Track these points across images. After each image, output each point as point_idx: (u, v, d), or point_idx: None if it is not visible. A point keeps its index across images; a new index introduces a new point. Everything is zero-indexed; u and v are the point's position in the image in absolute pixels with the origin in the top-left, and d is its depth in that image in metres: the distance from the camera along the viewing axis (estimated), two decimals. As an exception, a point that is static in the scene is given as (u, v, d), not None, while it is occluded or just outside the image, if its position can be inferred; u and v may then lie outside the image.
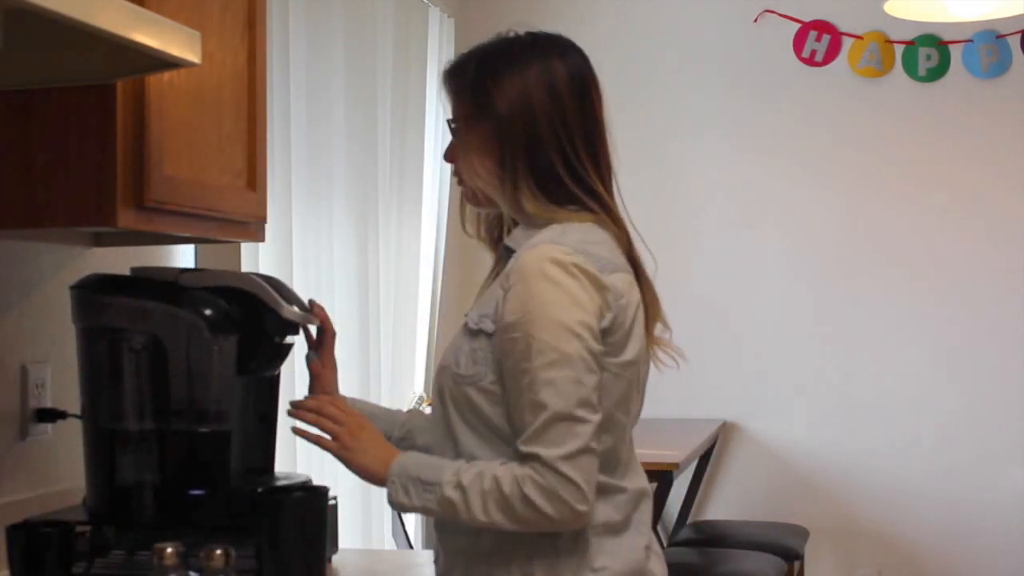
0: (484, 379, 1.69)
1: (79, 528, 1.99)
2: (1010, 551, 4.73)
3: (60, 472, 2.23)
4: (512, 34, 1.83)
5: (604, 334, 1.67)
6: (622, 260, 1.74)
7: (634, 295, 1.73)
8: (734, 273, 4.92)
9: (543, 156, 1.74)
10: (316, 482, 2.06)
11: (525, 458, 1.63)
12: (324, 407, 1.84)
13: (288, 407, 1.90)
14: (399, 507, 1.73)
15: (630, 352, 1.71)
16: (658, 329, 1.81)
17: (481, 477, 1.65)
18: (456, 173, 1.84)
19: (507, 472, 1.64)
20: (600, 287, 1.66)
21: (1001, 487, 4.74)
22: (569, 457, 1.61)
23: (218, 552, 1.59)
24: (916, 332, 4.83)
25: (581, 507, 1.63)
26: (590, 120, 1.78)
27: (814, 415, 4.92)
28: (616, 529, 1.73)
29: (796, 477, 4.94)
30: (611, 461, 1.73)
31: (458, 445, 1.73)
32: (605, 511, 1.71)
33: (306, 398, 1.92)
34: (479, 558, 1.72)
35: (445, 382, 1.75)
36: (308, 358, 2.02)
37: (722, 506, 5.00)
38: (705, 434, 4.48)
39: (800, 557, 4.38)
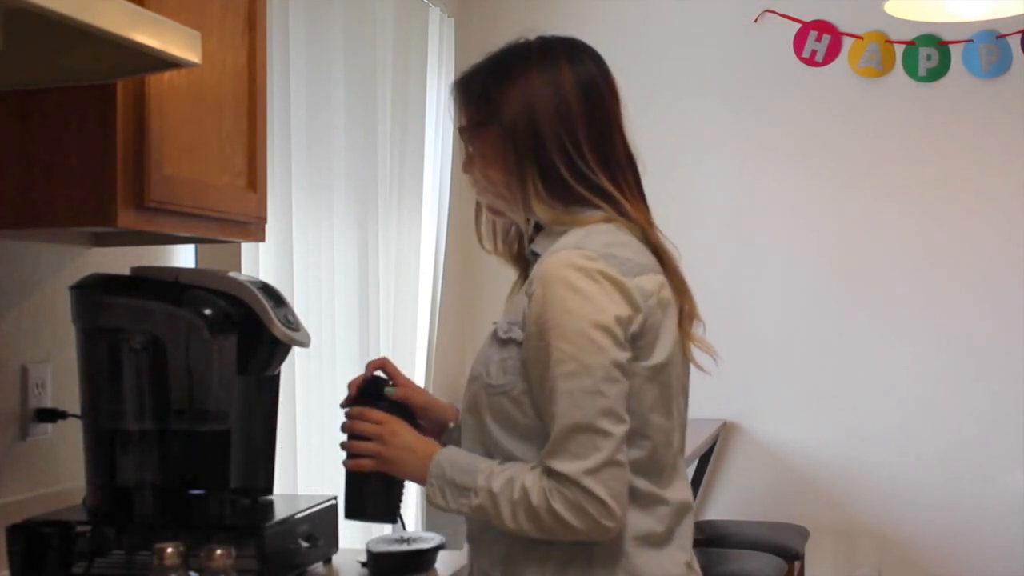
0: (515, 389, 1.67)
1: (79, 528, 1.99)
2: (1011, 552, 4.72)
3: (60, 472, 2.23)
4: (521, 40, 1.82)
5: (634, 338, 1.65)
6: (650, 260, 1.72)
7: (664, 295, 1.70)
8: (734, 273, 4.92)
9: (548, 159, 1.73)
10: (314, 488, 2.06)
11: (549, 471, 1.61)
12: (354, 426, 1.81)
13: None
14: (437, 508, 1.72)
15: (660, 354, 1.68)
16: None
17: (511, 484, 1.64)
18: (474, 185, 1.82)
19: (536, 482, 1.62)
20: (625, 291, 1.64)
21: (1002, 487, 4.73)
22: (592, 471, 1.59)
23: (218, 552, 1.59)
24: (916, 332, 4.82)
25: (607, 522, 1.60)
26: (599, 121, 1.76)
27: (814, 415, 4.91)
28: (657, 542, 1.70)
29: (796, 477, 4.93)
30: (653, 466, 1.70)
31: (493, 451, 1.71)
32: (647, 522, 1.69)
33: (346, 412, 1.85)
34: (511, 566, 1.71)
35: (478, 393, 1.72)
36: (387, 393, 1.90)
37: (722, 506, 4.99)
38: (705, 434, 4.48)
39: (800, 557, 4.37)
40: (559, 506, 1.60)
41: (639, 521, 1.68)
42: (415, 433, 1.80)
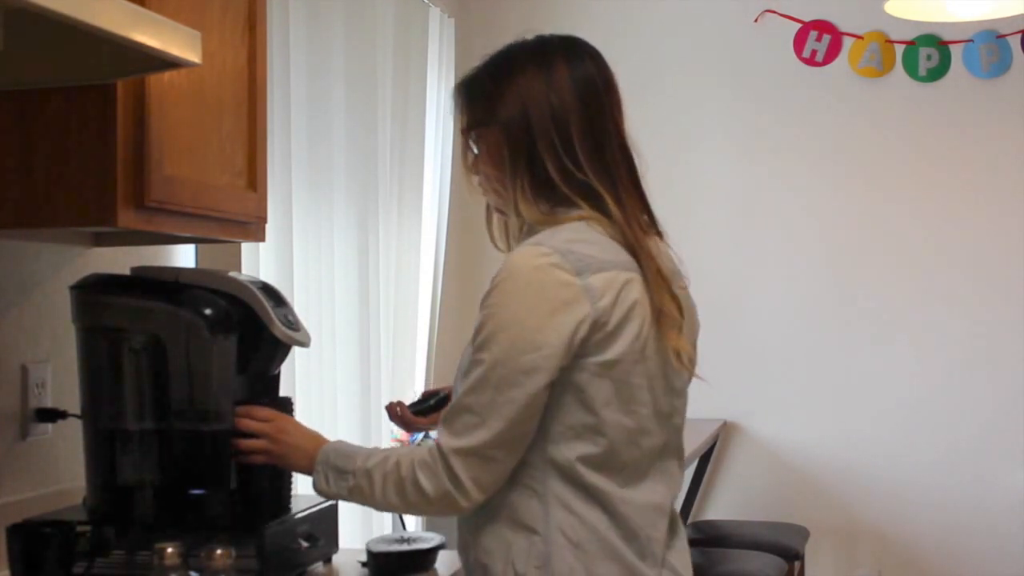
0: None
1: (79, 528, 1.99)
2: (1011, 552, 4.72)
3: (60, 472, 2.23)
4: (519, 41, 1.83)
5: (582, 341, 1.65)
6: (619, 257, 1.70)
7: (628, 295, 1.68)
8: (734, 273, 4.92)
9: (538, 157, 1.73)
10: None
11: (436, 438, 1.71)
12: (240, 424, 1.93)
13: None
14: (322, 494, 1.82)
15: (615, 351, 1.67)
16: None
17: (386, 461, 1.73)
18: (479, 186, 1.86)
19: (408, 456, 1.71)
20: (573, 291, 1.64)
21: (1002, 487, 4.73)
22: (460, 451, 1.67)
23: (218, 552, 1.59)
24: (916, 332, 4.82)
25: (459, 498, 1.67)
26: (594, 119, 1.76)
27: (814, 415, 4.91)
28: (620, 539, 1.71)
29: (796, 477, 4.94)
30: (610, 464, 1.70)
31: None
32: (599, 517, 1.69)
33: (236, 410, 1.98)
34: (484, 536, 1.74)
35: (456, 386, 1.76)
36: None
37: (722, 506, 5.00)
38: (705, 434, 4.48)
39: (800, 557, 4.38)
40: (421, 475, 1.69)
41: (594, 517, 1.69)
42: (302, 428, 1.92)
